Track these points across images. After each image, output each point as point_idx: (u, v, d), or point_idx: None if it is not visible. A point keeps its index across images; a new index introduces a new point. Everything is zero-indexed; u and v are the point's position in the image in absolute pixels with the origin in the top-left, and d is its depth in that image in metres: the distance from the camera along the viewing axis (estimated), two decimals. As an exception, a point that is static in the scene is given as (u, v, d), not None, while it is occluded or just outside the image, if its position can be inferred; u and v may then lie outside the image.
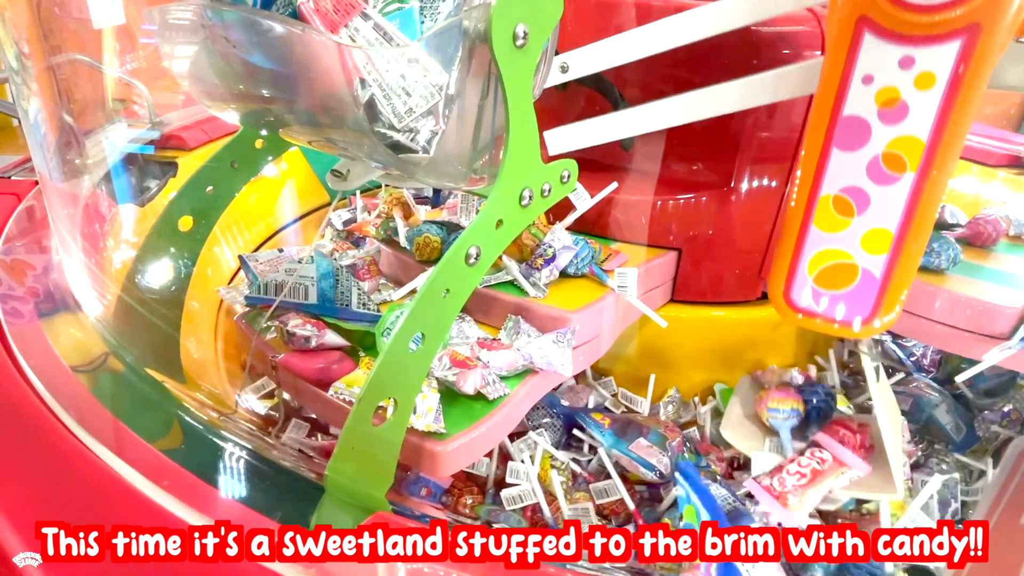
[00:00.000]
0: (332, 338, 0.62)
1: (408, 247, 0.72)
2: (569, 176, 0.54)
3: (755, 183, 0.73)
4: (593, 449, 0.71)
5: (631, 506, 0.63)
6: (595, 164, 0.79)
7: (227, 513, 0.40)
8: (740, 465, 0.73)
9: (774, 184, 0.73)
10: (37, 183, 0.86)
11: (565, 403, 0.74)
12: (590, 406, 0.76)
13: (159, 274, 0.78)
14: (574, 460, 0.70)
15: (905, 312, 0.69)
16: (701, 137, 0.74)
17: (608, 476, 0.66)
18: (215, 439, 0.48)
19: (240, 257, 0.74)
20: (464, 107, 0.45)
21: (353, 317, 0.64)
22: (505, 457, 0.69)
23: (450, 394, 0.55)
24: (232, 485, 0.44)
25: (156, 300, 0.76)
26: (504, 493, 0.63)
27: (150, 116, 0.94)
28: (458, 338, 0.62)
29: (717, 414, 0.77)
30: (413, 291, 0.69)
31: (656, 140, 0.78)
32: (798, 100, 0.70)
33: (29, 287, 0.67)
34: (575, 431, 0.72)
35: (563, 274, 0.68)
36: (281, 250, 0.85)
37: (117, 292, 0.73)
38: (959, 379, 0.70)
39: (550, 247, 0.67)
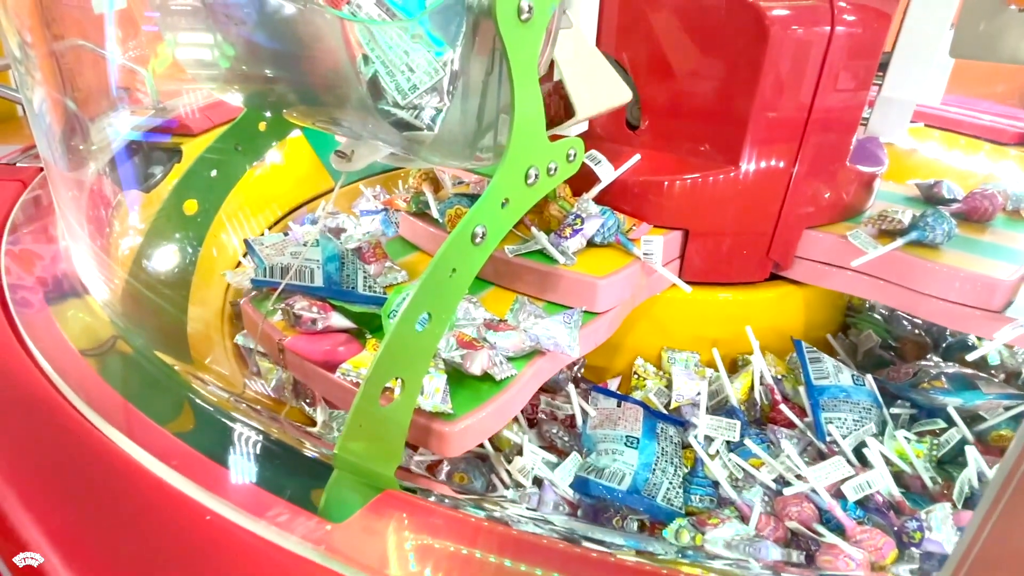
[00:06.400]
0: (338, 320, 0.62)
1: (441, 220, 0.75)
2: (575, 154, 0.54)
3: (763, 163, 0.72)
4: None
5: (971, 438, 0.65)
6: (601, 143, 0.78)
7: (236, 492, 0.40)
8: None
9: (782, 164, 0.72)
10: (42, 169, 0.87)
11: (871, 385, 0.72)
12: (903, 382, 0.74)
13: (165, 258, 0.79)
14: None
15: (900, 287, 0.71)
16: (709, 116, 0.74)
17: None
18: (223, 419, 0.48)
19: (246, 241, 0.74)
20: (468, 84, 0.45)
21: (359, 300, 0.64)
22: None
23: (457, 375, 0.55)
24: (241, 464, 0.44)
25: (163, 284, 0.76)
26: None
27: (154, 102, 0.94)
28: (464, 319, 0.62)
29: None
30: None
31: (663, 119, 0.77)
32: (806, 79, 0.69)
33: (37, 275, 0.67)
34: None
35: (590, 243, 0.70)
36: (286, 233, 0.85)
37: (124, 277, 0.73)
38: (970, 358, 0.69)
39: (578, 217, 0.69)
